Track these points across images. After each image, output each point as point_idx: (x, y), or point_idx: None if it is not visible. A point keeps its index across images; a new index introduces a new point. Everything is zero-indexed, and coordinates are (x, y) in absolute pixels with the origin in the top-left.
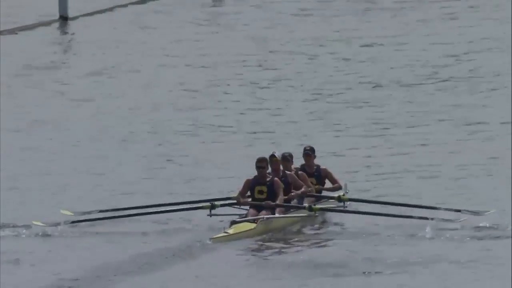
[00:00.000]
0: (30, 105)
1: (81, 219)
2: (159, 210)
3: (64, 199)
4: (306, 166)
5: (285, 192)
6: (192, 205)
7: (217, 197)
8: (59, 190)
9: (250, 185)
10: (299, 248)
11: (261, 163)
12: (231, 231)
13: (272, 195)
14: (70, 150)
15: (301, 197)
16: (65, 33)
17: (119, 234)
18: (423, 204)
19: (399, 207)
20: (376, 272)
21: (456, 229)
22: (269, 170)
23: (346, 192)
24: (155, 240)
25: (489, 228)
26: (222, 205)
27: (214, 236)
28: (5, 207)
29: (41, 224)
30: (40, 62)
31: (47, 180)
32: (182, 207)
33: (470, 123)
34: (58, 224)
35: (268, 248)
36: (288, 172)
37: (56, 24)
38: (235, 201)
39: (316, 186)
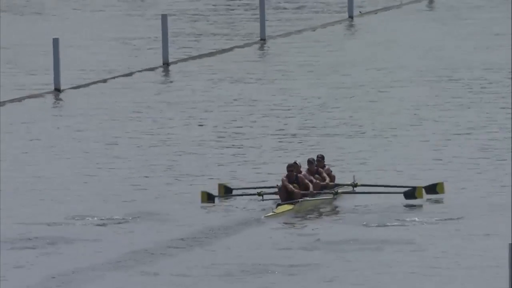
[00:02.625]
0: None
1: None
2: (231, 195)
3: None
4: (318, 168)
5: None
6: (254, 192)
7: (266, 186)
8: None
9: (287, 178)
10: (323, 222)
11: (290, 168)
12: (277, 210)
13: (302, 187)
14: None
15: (323, 187)
16: (59, 102)
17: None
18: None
19: (391, 187)
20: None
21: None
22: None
23: (355, 181)
24: (230, 215)
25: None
26: (267, 193)
27: (266, 215)
28: None
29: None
30: (37, 126)
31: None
32: (249, 193)
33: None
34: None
35: (302, 221)
36: (300, 175)
37: (51, 95)
38: (277, 190)
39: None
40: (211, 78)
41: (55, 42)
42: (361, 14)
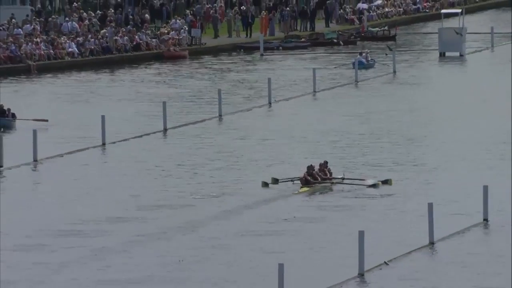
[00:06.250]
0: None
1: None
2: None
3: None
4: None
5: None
6: (287, 180)
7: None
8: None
9: (305, 174)
10: (323, 198)
11: (308, 167)
12: (301, 190)
13: (314, 178)
14: None
15: (324, 179)
16: (104, 155)
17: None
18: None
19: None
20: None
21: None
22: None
23: (344, 176)
24: (276, 192)
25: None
26: (296, 179)
27: (294, 192)
28: None
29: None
30: (89, 167)
31: None
32: (285, 180)
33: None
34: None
35: (312, 196)
36: (318, 168)
37: (99, 148)
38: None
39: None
40: (194, 137)
41: (103, 117)
42: (276, 101)
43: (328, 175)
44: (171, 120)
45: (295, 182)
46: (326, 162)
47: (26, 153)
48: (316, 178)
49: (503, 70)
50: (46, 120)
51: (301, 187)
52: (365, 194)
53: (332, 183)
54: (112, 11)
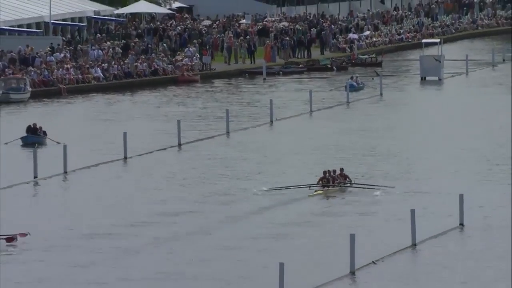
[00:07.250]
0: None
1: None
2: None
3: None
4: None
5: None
6: (304, 185)
7: (312, 183)
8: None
9: (321, 178)
10: (337, 198)
11: (324, 172)
12: (315, 193)
13: (328, 182)
14: None
15: (339, 182)
16: (126, 167)
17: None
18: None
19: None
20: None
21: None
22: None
23: (353, 180)
24: (289, 196)
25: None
26: (313, 185)
27: (309, 195)
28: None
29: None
30: (107, 184)
31: None
32: (301, 186)
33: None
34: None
35: (326, 198)
36: (333, 174)
37: (122, 161)
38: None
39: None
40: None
41: (125, 134)
42: (277, 120)
43: (336, 180)
44: (184, 136)
45: (312, 186)
46: (341, 169)
47: (57, 166)
48: (330, 182)
49: (477, 92)
50: (58, 143)
51: (315, 191)
52: (357, 200)
53: (341, 186)
54: (137, 40)
